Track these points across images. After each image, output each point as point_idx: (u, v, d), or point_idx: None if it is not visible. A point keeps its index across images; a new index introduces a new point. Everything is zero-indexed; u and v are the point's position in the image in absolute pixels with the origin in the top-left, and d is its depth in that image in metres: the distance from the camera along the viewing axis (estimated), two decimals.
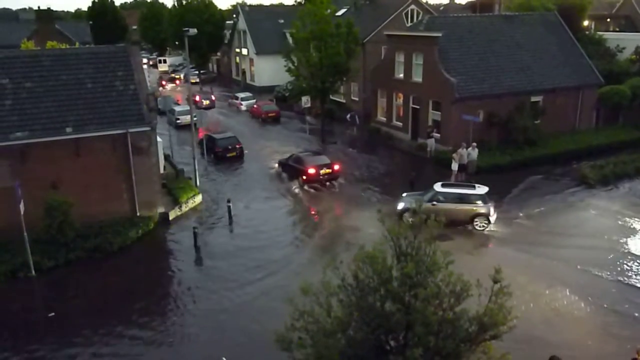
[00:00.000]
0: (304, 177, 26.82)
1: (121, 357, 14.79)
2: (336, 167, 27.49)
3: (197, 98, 49.55)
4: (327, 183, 27.28)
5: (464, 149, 27.63)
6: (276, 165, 30.35)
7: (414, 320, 8.62)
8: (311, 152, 30.58)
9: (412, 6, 43.44)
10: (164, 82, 65.83)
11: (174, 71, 74.58)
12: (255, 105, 46.63)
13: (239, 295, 17.66)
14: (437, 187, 22.21)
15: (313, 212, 24.57)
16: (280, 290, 17.03)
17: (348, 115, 39.53)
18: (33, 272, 18.84)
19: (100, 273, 19.37)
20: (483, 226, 21.49)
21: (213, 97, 52.04)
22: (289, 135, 39.17)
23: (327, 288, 9.00)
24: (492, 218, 21.53)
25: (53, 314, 16.87)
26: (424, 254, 9.16)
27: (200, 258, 20.63)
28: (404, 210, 21.78)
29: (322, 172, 26.88)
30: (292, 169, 28.25)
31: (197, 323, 16.23)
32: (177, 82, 69.22)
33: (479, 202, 21.50)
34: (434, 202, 21.16)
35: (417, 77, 33.14)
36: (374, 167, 30.97)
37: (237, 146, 33.22)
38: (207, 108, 47.09)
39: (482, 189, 21.96)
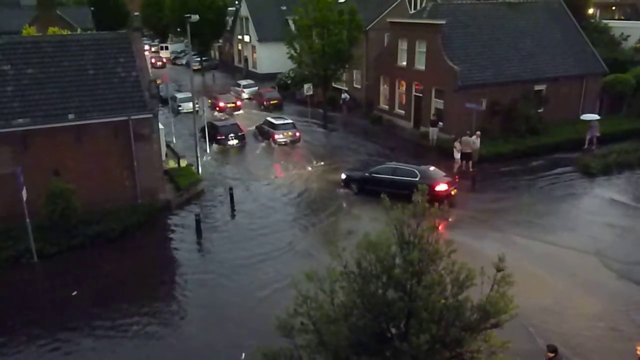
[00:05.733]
0: (217, 108, 41.39)
1: (128, 341, 14.91)
2: (238, 103, 43.28)
3: (153, 60, 67.91)
4: (234, 112, 41.61)
5: (472, 137, 27.51)
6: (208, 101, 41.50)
7: (417, 307, 8.61)
8: (225, 94, 45.72)
9: None
10: None
11: (175, 58, 74.40)
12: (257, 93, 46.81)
13: (242, 279, 17.76)
14: (268, 117, 34.58)
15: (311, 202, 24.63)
16: (283, 273, 17.21)
17: (342, 95, 40.54)
18: (35, 258, 18.94)
19: (103, 259, 19.45)
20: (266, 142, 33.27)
21: (164, 60, 71.33)
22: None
23: (331, 275, 8.98)
24: (280, 140, 32.38)
25: (76, 292, 17.10)
26: (427, 242, 9.13)
27: (202, 244, 20.70)
28: (255, 127, 35.65)
29: (228, 105, 42.10)
30: (212, 104, 42.23)
31: (200, 307, 16.35)
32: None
33: (273, 129, 32.68)
34: (263, 125, 33.83)
35: (420, 65, 32.95)
36: (376, 155, 30.85)
37: (239, 133, 33.20)
38: (161, 67, 67.72)
39: (280, 121, 33.29)
